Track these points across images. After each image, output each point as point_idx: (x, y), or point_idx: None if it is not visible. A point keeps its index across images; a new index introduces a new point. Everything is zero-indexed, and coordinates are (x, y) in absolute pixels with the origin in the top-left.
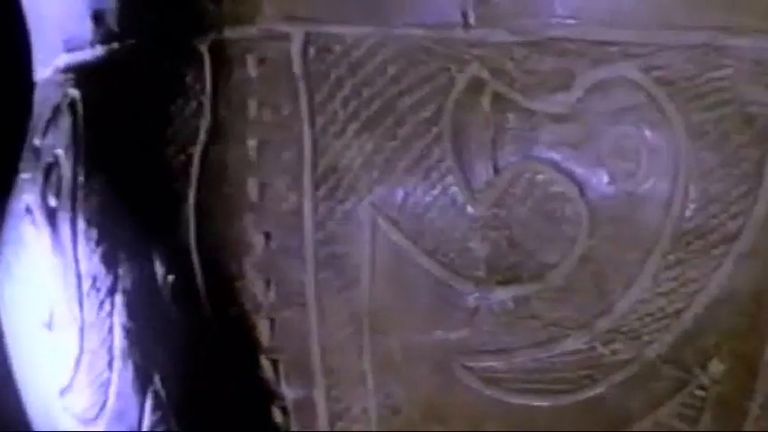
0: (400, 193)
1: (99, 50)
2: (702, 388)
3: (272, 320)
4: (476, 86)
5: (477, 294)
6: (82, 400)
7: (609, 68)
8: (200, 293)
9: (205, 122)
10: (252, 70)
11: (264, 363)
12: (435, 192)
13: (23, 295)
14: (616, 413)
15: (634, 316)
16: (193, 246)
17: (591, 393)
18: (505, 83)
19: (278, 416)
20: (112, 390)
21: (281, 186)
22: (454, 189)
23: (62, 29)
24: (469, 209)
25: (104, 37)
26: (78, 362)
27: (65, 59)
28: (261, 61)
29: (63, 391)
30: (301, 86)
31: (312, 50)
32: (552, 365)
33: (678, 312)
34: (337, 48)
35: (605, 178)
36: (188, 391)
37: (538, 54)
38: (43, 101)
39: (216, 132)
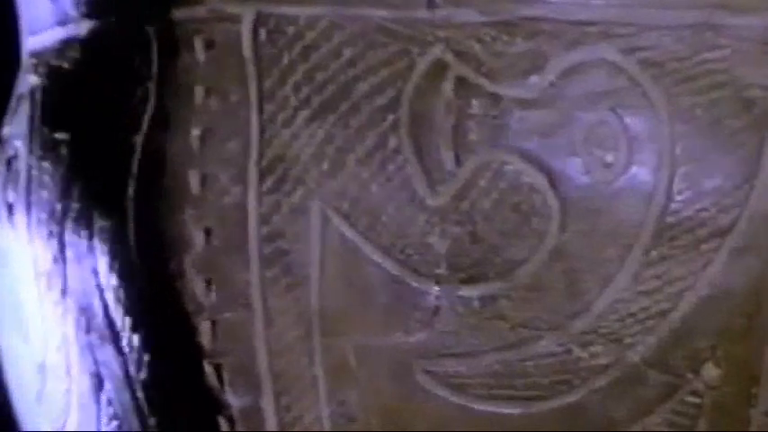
0: (353, 186)
1: (57, 33)
2: (696, 394)
3: (213, 323)
4: (438, 70)
5: (438, 293)
6: (52, 408)
7: (586, 50)
8: (142, 294)
9: (150, 110)
10: (200, 54)
11: (207, 368)
12: (391, 184)
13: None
14: (598, 421)
15: (613, 317)
16: (132, 243)
17: (568, 400)
18: (471, 66)
19: (224, 425)
20: (74, 398)
21: (224, 178)
22: (412, 181)
23: (28, 10)
24: (428, 202)
25: (61, 18)
26: (43, 368)
27: (30, 43)
28: (209, 44)
29: (37, 398)
30: (251, 71)
31: (263, 32)
32: (523, 370)
33: (664, 313)
34: (290, 29)
35: (579, 168)
36: (138, 398)
37: (508, 35)
38: (17, 88)
39: (159, 120)
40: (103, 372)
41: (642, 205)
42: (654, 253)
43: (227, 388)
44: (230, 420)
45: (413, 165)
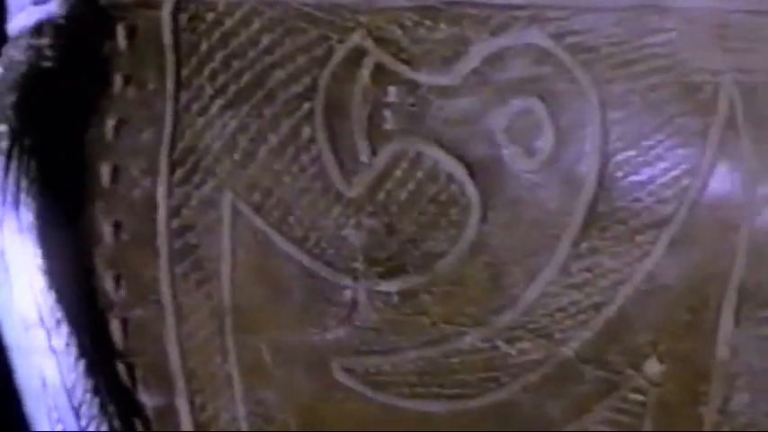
0: (265, 177)
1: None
2: (639, 391)
3: (124, 320)
4: (356, 57)
5: (355, 288)
6: None
7: (513, 35)
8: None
9: (72, 99)
10: (121, 41)
11: (120, 368)
12: (305, 175)
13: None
14: (533, 419)
15: (542, 311)
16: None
17: (497, 397)
18: (391, 53)
19: (139, 426)
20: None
21: (134, 170)
22: (326, 171)
23: None
24: (343, 193)
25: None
26: None
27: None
28: (131, 31)
29: None
30: (169, 59)
31: (183, 18)
32: (448, 367)
33: (597, 306)
34: (209, 15)
35: (501, 157)
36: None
37: (431, 21)
38: None
39: (78, 110)
40: (45, 374)
41: (570, 195)
42: (584, 245)
43: (140, 387)
44: (146, 421)
45: (327, 155)
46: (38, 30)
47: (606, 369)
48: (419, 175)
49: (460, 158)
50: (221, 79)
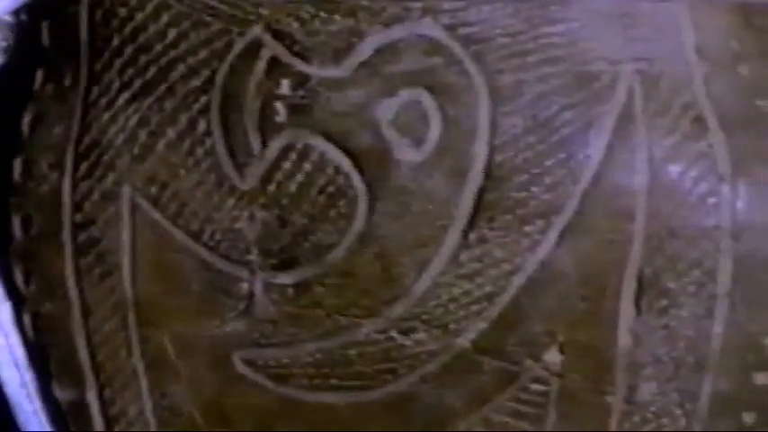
0: (162, 171)
1: None
2: (541, 381)
3: (35, 315)
4: (254, 50)
5: (251, 280)
6: None
7: (406, 27)
8: None
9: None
10: (45, 38)
11: (35, 363)
12: (200, 168)
13: None
14: (433, 411)
15: (435, 302)
16: None
17: (395, 389)
18: (285, 46)
19: (55, 420)
20: None
21: (44, 165)
22: (221, 164)
23: None
24: (236, 186)
25: None
26: None
27: None
28: (53, 27)
29: None
30: (84, 54)
31: (99, 14)
32: (345, 358)
33: (490, 297)
34: (122, 10)
35: (387, 148)
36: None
37: (326, 13)
38: None
39: (3, 108)
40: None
41: (457, 185)
42: (472, 235)
43: (54, 383)
44: (61, 415)
45: (221, 148)
46: None
47: (504, 359)
48: (307, 167)
49: (347, 150)
50: (129, 73)
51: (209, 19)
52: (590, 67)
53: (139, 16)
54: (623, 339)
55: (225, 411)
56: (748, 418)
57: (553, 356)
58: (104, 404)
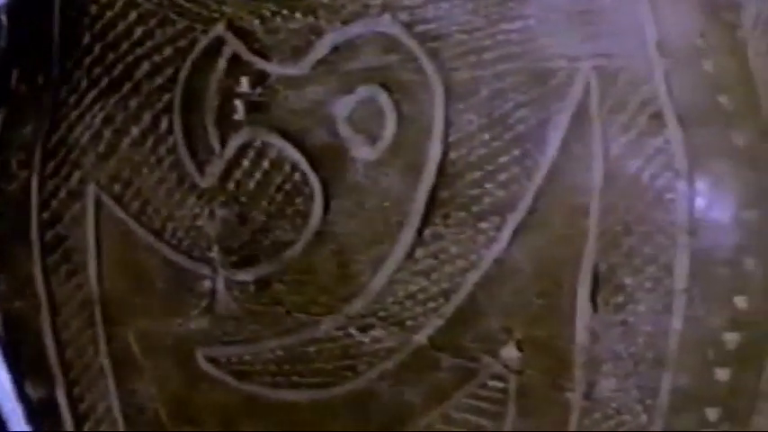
0: (126, 169)
1: None
2: (499, 378)
3: (5, 313)
4: (215, 48)
5: (213, 278)
6: None
7: (364, 24)
8: None
9: None
10: (24, 38)
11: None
12: (162, 166)
13: None
14: (393, 407)
15: (391, 298)
16: None
17: (355, 386)
18: (247, 43)
19: (28, 418)
20: None
21: (14, 164)
22: (181, 162)
23: None
24: (197, 183)
25: None
26: None
27: None
28: (31, 27)
29: None
30: (56, 53)
31: (72, 12)
32: (306, 356)
33: (446, 293)
34: (93, 8)
35: (342, 145)
36: None
37: (288, 10)
38: None
39: None
40: None
41: (412, 182)
42: (427, 231)
43: (26, 381)
44: (33, 413)
45: (182, 146)
46: None
47: (462, 356)
48: (266, 164)
49: (303, 148)
50: (96, 71)
51: (175, 17)
52: (547, 64)
53: (109, 14)
54: (581, 336)
55: (190, 409)
56: (712, 413)
57: (511, 353)
58: (73, 402)
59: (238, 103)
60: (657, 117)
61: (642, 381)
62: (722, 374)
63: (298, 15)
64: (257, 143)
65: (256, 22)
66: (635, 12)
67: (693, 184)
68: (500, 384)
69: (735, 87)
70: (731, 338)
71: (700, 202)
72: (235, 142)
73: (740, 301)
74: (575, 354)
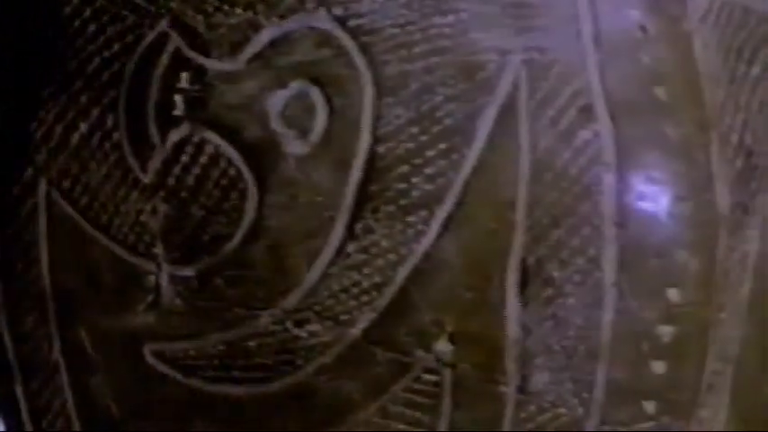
0: (75, 165)
1: None
2: (433, 372)
3: None
4: (159, 44)
5: (157, 273)
6: None
7: (300, 19)
8: None
9: None
10: None
11: None
12: (108, 162)
13: None
14: (332, 402)
15: (325, 293)
16: None
17: (294, 380)
18: (188, 39)
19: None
20: None
21: None
22: (125, 158)
23: None
24: (140, 179)
25: None
26: None
27: None
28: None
29: None
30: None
31: (36, 9)
32: (246, 350)
33: (378, 287)
34: (53, 3)
35: (275, 140)
36: None
37: (229, 5)
38: None
39: None
40: None
41: (342, 176)
42: (358, 225)
43: None
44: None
45: (125, 142)
46: None
47: (396, 350)
48: (204, 160)
49: (236, 143)
50: (55, 69)
51: (125, 13)
52: (477, 58)
53: (66, 10)
54: (512, 329)
55: (140, 404)
56: (649, 406)
57: (444, 346)
58: (30, 398)
59: (178, 98)
60: (587, 110)
61: (577, 374)
62: (658, 367)
63: (238, 11)
64: (196, 138)
65: (199, 17)
66: (572, 4)
67: (623, 176)
68: (434, 378)
69: (674, 79)
70: (666, 331)
71: (630, 195)
72: (174, 137)
73: (673, 294)
74: (507, 347)
